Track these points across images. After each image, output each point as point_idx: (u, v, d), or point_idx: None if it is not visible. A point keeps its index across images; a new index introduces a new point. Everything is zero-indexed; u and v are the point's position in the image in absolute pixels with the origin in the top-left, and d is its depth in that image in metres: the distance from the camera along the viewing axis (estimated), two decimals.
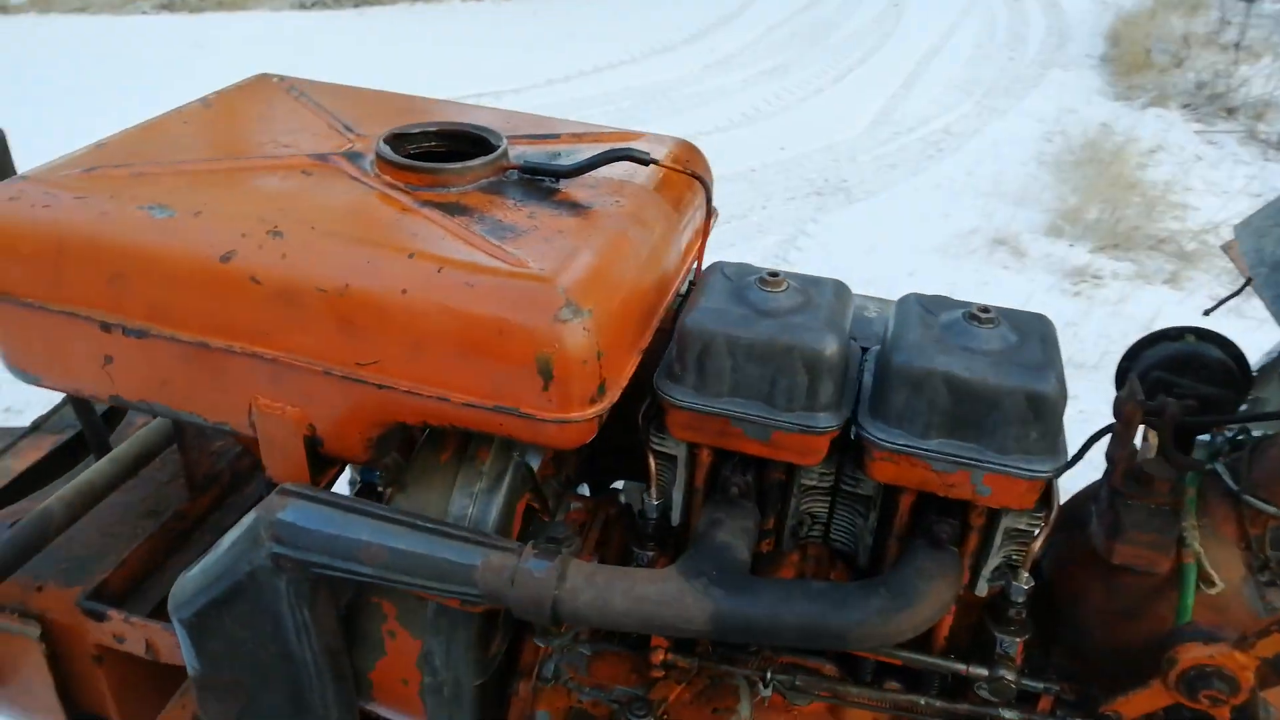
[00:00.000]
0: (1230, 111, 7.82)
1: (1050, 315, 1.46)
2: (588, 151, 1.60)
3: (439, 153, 1.64)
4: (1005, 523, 1.39)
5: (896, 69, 8.72)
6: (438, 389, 1.30)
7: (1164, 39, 9.42)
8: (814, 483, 1.52)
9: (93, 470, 1.73)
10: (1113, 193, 5.94)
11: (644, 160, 1.57)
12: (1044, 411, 1.28)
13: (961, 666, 1.46)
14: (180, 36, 7.97)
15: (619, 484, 1.98)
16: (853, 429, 1.38)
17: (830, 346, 1.34)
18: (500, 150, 1.57)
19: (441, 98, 1.99)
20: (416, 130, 1.64)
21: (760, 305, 1.40)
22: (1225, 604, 1.43)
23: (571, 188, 1.56)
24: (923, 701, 1.50)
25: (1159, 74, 8.64)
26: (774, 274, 1.45)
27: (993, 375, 1.29)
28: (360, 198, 1.48)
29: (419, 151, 1.63)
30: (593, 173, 1.55)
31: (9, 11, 8.78)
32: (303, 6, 9.87)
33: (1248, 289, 1.70)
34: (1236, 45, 8.94)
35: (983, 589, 1.45)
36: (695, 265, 1.77)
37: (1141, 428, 1.43)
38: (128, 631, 1.57)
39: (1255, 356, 1.80)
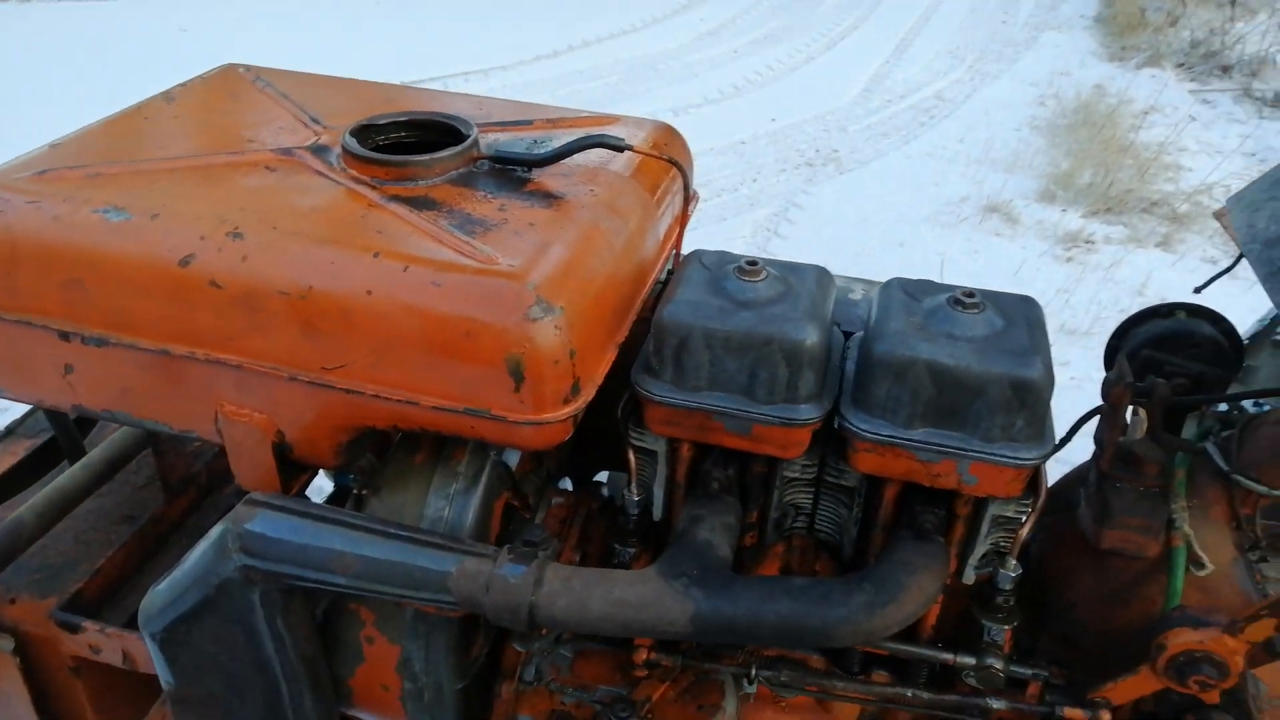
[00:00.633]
0: (1225, 70, 7.72)
1: (1043, 281, 1.43)
2: (563, 138, 1.55)
3: (408, 143, 1.59)
4: (992, 510, 1.36)
5: (889, 35, 8.60)
6: (406, 393, 1.27)
7: None
8: (797, 474, 1.49)
9: (66, 476, 1.70)
10: (1106, 156, 5.88)
11: (619, 147, 1.52)
12: (1030, 398, 1.25)
13: (949, 656, 1.44)
14: (165, 24, 7.83)
15: (603, 475, 1.95)
16: (835, 419, 1.35)
17: (810, 337, 1.30)
18: (470, 140, 1.53)
19: (422, 80, 1.93)
20: (385, 121, 1.59)
21: (738, 295, 1.36)
22: (1215, 586, 1.41)
23: (544, 177, 1.52)
24: (910, 694, 1.48)
25: (1153, 33, 8.53)
26: (753, 262, 1.41)
27: (977, 362, 1.26)
28: (325, 194, 1.44)
29: (388, 143, 1.58)
30: (567, 160, 1.51)
31: None
32: None
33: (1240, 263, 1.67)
34: (1232, 2, 8.81)
35: (970, 577, 1.42)
36: (675, 251, 1.73)
37: (1130, 406, 1.41)
38: (103, 642, 1.55)
39: (1247, 320, 1.77)
